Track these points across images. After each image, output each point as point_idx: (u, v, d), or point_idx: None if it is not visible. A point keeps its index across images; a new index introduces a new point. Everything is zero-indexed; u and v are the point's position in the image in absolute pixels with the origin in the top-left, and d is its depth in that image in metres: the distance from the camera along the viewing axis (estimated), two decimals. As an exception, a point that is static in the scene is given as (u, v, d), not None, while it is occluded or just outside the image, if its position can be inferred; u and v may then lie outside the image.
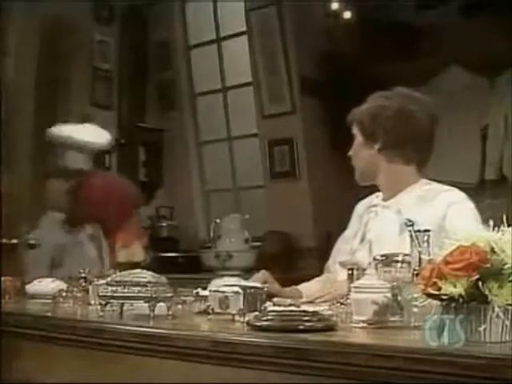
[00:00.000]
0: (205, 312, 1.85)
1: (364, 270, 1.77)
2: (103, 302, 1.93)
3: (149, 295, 1.86)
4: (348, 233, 2.53)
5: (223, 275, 2.95)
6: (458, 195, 2.33)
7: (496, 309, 1.31)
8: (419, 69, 5.17)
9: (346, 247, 2.46)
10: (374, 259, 1.74)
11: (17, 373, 2.10)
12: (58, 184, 3.53)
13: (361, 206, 2.55)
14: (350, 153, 2.46)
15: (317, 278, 2.53)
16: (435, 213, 2.21)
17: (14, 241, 3.06)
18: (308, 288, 2.46)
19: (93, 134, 3.70)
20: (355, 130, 2.43)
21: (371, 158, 2.38)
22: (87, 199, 3.38)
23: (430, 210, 2.23)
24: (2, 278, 2.46)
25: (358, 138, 2.42)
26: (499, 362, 1.19)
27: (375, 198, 2.49)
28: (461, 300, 1.32)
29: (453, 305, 1.34)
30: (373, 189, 2.51)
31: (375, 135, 2.36)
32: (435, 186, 2.39)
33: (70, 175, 3.52)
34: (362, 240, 2.39)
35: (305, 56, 5.54)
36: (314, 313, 1.62)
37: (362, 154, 2.41)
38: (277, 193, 5.68)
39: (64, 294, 2.34)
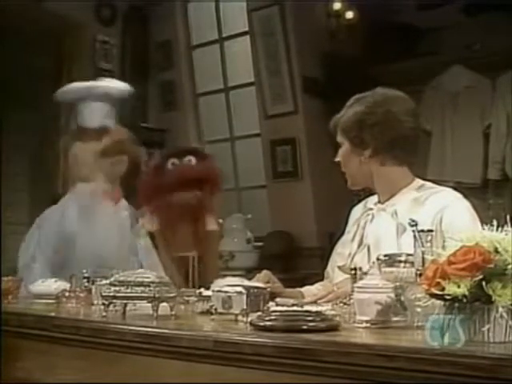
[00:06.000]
0: (208, 312, 1.85)
1: (364, 273, 1.77)
2: (106, 302, 1.93)
3: (152, 295, 1.86)
4: (345, 237, 2.50)
5: (226, 275, 2.94)
6: (451, 195, 2.31)
7: (500, 309, 1.31)
8: (421, 68, 5.18)
9: (344, 252, 2.44)
10: (378, 259, 1.74)
11: (20, 373, 2.10)
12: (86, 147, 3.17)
13: (356, 210, 2.53)
14: (338, 159, 2.42)
15: (318, 283, 2.52)
16: (429, 215, 2.20)
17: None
18: (310, 291, 2.45)
19: (113, 83, 3.43)
20: (340, 138, 2.38)
21: (362, 164, 2.34)
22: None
23: (424, 212, 2.22)
24: (3, 278, 2.46)
25: (345, 146, 2.37)
26: (503, 363, 1.19)
27: (370, 201, 2.47)
28: (464, 300, 1.32)
29: (456, 305, 1.34)
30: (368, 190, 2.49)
31: (364, 142, 2.32)
32: (429, 186, 2.37)
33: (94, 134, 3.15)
34: (360, 244, 2.37)
35: (307, 56, 5.54)
36: (317, 313, 1.62)
37: (352, 161, 2.36)
38: (279, 193, 5.68)
39: (67, 294, 2.34)
